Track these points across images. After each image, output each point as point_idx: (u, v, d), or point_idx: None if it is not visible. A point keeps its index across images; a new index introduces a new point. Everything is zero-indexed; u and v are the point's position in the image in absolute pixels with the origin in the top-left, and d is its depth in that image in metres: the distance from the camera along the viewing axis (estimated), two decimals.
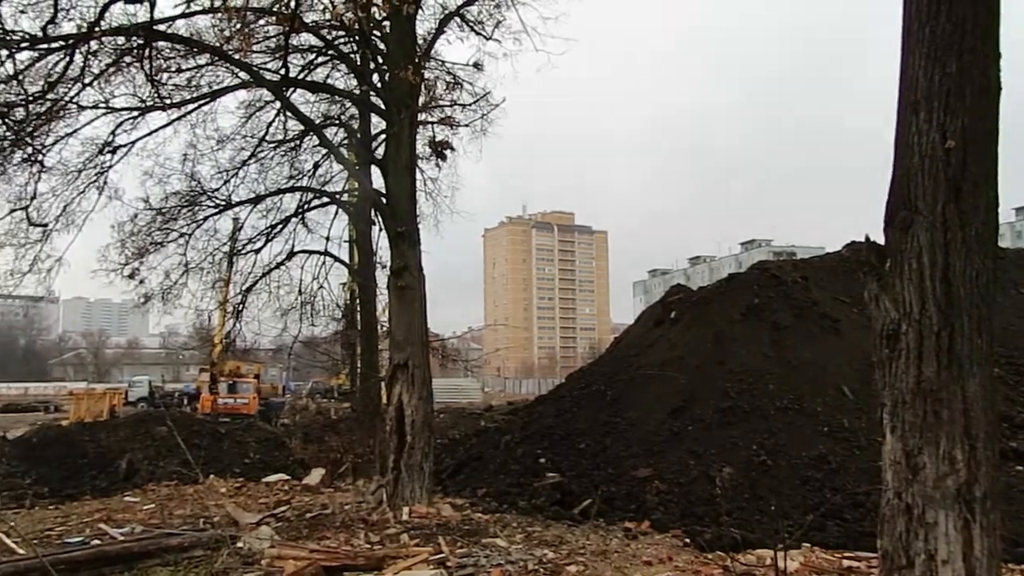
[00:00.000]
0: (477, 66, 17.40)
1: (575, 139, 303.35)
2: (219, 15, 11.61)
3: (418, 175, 16.24)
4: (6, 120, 10.44)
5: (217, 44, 13.78)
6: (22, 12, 8.33)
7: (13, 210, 13.40)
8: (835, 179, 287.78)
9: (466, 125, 18.89)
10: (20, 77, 9.85)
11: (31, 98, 10.42)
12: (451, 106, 18.62)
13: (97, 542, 10.15)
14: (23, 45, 9.23)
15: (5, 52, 9.10)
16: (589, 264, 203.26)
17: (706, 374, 13.92)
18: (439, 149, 17.76)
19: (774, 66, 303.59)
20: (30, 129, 11.31)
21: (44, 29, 8.32)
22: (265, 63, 15.67)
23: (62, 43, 9.17)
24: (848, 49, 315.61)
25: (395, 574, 7.70)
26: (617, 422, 13.69)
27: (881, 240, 4.57)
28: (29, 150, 12.09)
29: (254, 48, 14.77)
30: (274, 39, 15.64)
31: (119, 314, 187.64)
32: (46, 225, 13.96)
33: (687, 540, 9.53)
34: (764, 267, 17.99)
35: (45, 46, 9.23)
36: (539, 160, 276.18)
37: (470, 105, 18.42)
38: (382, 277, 20.84)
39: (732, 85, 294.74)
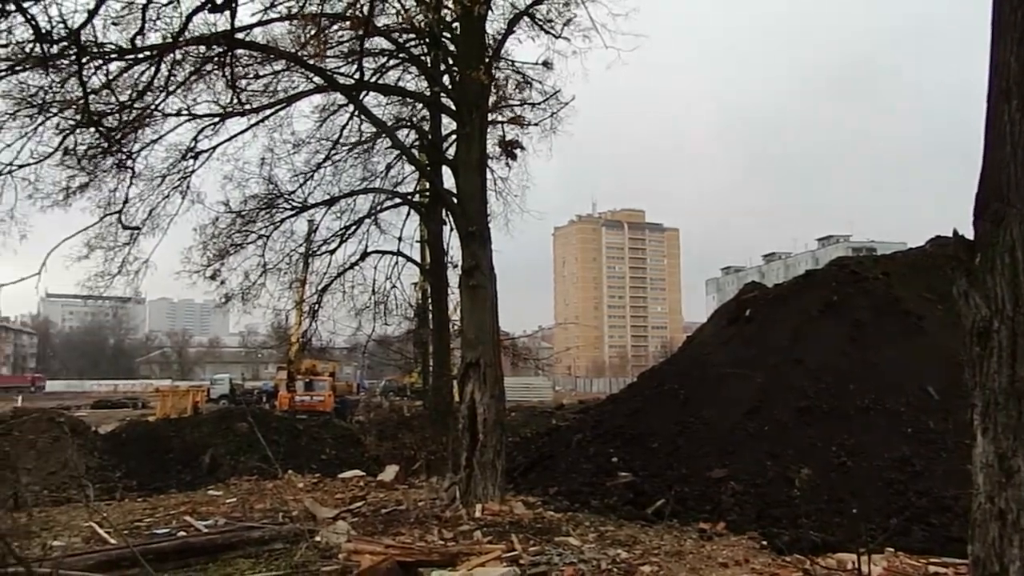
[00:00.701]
0: (546, 64, 17.40)
1: (646, 136, 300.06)
2: (295, 22, 11.88)
3: (488, 174, 16.33)
4: (99, 128, 10.89)
5: (292, 50, 14.18)
6: (115, 24, 8.69)
7: (106, 215, 13.99)
8: (917, 173, 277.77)
9: (536, 124, 18.93)
10: (112, 86, 10.26)
11: (122, 106, 10.86)
12: (521, 105, 18.65)
13: (183, 534, 10.54)
14: (113, 56, 9.62)
15: (98, 63, 9.49)
16: (660, 262, 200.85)
17: (783, 373, 13.61)
18: (509, 148, 17.82)
19: (855, 55, 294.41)
20: (119, 137, 11.78)
21: (133, 40, 8.66)
22: (338, 68, 16.01)
23: (150, 53, 9.52)
24: (934, 43, 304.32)
25: (469, 570, 7.76)
26: (691, 422, 13.51)
27: (970, 234, 4.38)
28: (121, 156, 12.59)
29: (327, 53, 15.10)
30: (347, 44, 15.99)
31: (201, 314, 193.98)
32: (137, 228, 14.52)
33: (764, 542, 9.34)
34: (843, 263, 17.49)
35: (133, 56, 9.60)
36: (609, 158, 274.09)
37: (540, 104, 18.44)
38: (453, 276, 21.05)
39: (809, 79, 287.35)
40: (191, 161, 14.94)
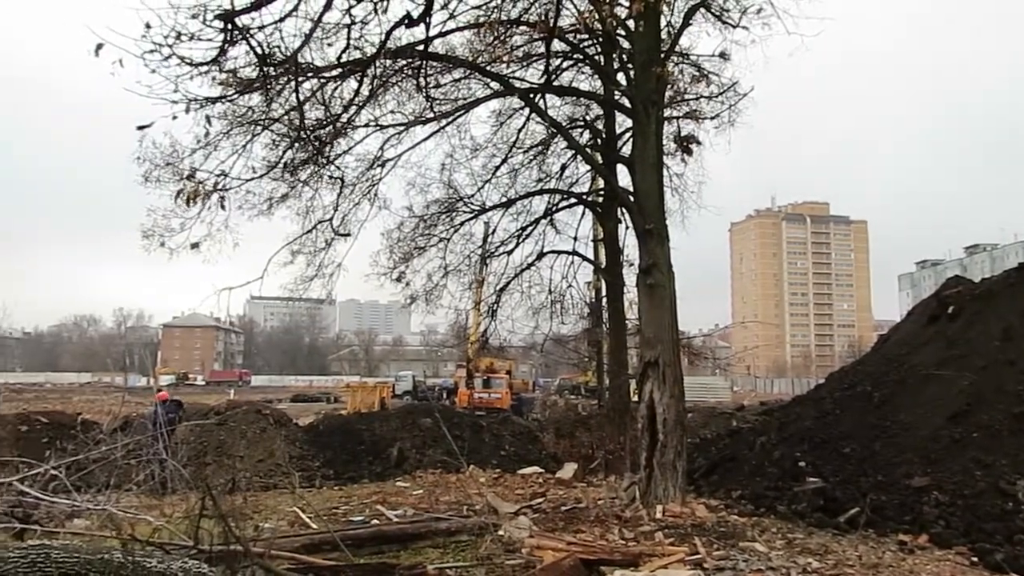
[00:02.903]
0: (723, 56, 16.92)
1: (830, 123, 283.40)
2: (476, 31, 12.29)
3: (664, 171, 16.12)
4: (311, 141, 11.76)
5: (470, 58, 14.66)
6: (329, 45, 9.38)
7: (319, 222, 15.14)
8: None
9: (712, 117, 18.48)
10: (327, 102, 11.08)
11: (332, 120, 11.69)
12: (696, 99, 18.28)
13: (376, 522, 11.14)
14: (324, 75, 10.38)
15: (311, 81, 10.26)
16: (846, 257, 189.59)
17: (993, 375, 12.44)
18: (685, 144, 17.49)
19: None
20: (327, 149, 12.66)
21: (339, 58, 9.31)
22: (514, 72, 16.37)
23: (357, 68, 10.18)
24: None
25: (652, 572, 7.69)
26: (887, 426, 12.64)
27: None
28: (330, 168, 13.57)
29: (504, 58, 15.49)
30: (521, 49, 16.32)
31: (385, 314, 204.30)
32: (348, 234, 15.54)
33: (975, 559, 8.60)
34: None
35: (339, 71, 10.29)
36: (789, 149, 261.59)
37: (716, 97, 17.99)
38: (629, 275, 20.92)
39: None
40: (379, 169, 15.76)
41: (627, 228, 20.38)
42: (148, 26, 7.16)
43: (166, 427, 14.24)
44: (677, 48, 15.61)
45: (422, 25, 9.29)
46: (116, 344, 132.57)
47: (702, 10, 14.81)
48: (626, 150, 17.95)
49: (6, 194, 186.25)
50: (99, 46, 6.64)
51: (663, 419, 11.92)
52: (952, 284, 16.83)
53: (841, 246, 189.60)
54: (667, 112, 15.72)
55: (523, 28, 14.87)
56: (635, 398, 15.88)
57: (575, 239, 22.62)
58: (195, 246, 12.32)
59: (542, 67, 17.35)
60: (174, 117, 8.24)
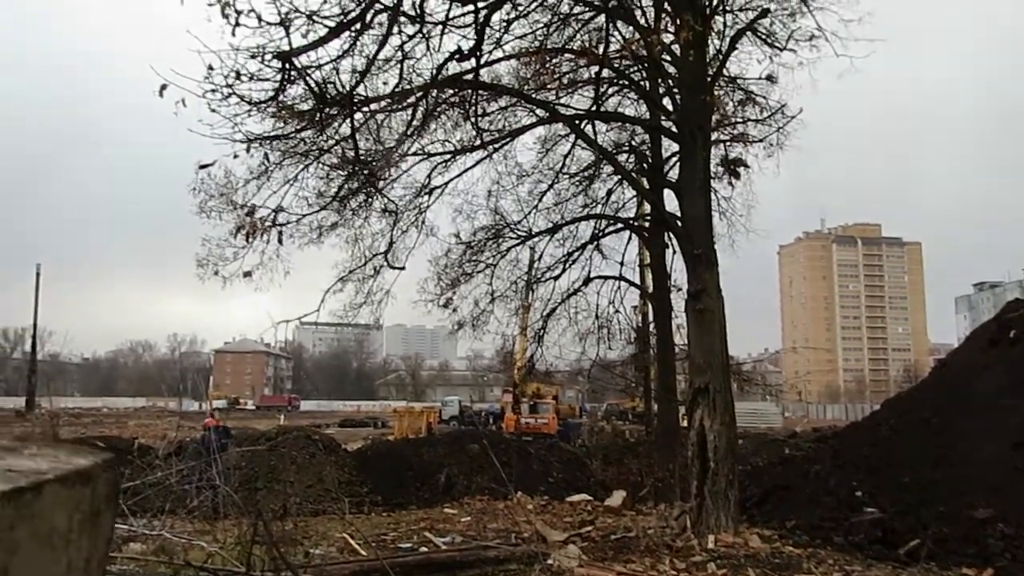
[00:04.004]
0: (770, 79, 16.81)
1: (882, 142, 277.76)
2: (523, 59, 12.43)
3: (711, 195, 16.01)
4: (363, 172, 11.98)
5: (518, 86, 14.81)
6: (384, 84, 9.61)
7: (373, 256, 15.40)
8: None
9: (760, 140, 18.32)
10: (377, 132, 11.32)
11: (386, 152, 11.92)
12: (744, 122, 18.17)
13: (425, 549, 11.12)
14: (377, 109, 10.60)
15: (365, 115, 10.48)
16: (900, 279, 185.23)
17: None
18: (732, 167, 17.36)
19: None
20: (379, 179, 12.88)
21: (393, 92, 9.50)
22: (559, 98, 16.46)
23: (411, 101, 10.39)
24: None
25: None
26: (947, 454, 12.25)
27: None
28: (384, 200, 13.81)
29: (549, 86, 15.61)
30: (567, 75, 16.40)
31: (432, 339, 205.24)
32: (402, 268, 15.76)
33: None
34: None
35: (392, 106, 10.51)
36: (839, 170, 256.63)
37: (764, 120, 17.85)
38: (677, 300, 20.76)
39: None
40: (426, 197, 15.95)
41: (674, 252, 20.25)
42: (211, 68, 7.41)
43: (217, 453, 14.45)
44: (724, 72, 15.57)
45: (472, 58, 9.43)
46: (170, 369, 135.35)
47: (748, 34, 14.76)
48: (673, 175, 17.87)
49: (76, 223, 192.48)
50: (163, 87, 6.88)
51: (714, 446, 11.73)
52: (1013, 307, 16.33)
53: (894, 268, 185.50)
54: (714, 136, 15.62)
55: (568, 55, 15.04)
56: (684, 424, 15.69)
57: (622, 264, 22.55)
58: (247, 274, 12.56)
59: (588, 93, 17.47)
60: (235, 156, 8.49)
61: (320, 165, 11.84)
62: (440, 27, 8.56)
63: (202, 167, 9.17)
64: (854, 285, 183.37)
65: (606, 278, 22.31)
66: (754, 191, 20.44)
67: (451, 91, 12.05)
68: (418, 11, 8.10)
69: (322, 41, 7.61)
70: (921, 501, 11.41)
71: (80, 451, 1.21)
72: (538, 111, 15.52)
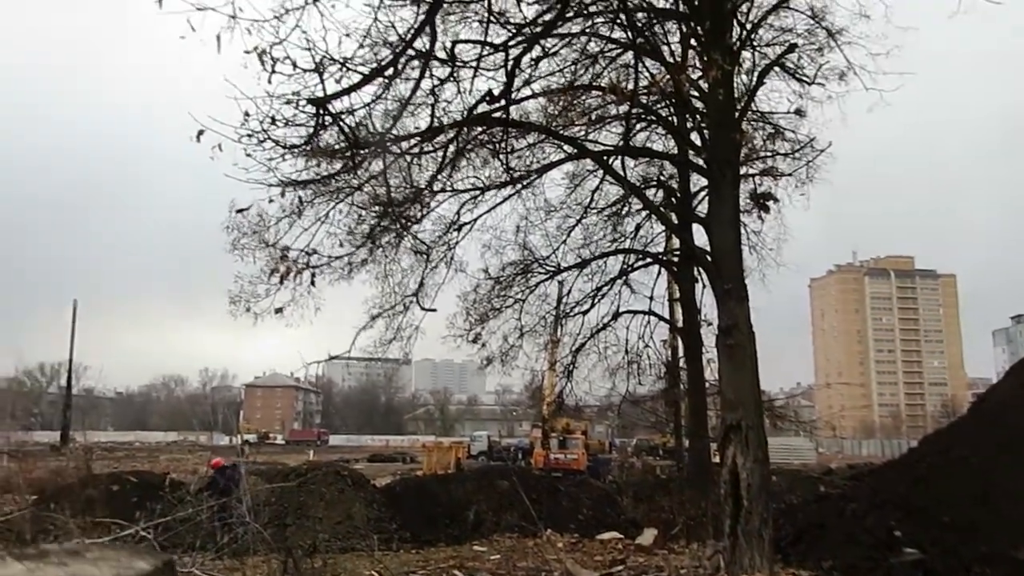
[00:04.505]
0: (799, 113, 16.83)
1: (913, 176, 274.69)
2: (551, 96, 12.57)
3: (741, 229, 15.95)
4: (394, 211, 12.14)
5: (546, 122, 14.94)
6: (417, 128, 9.80)
7: (404, 297, 15.55)
8: None
9: (789, 174, 18.29)
10: (407, 171, 11.49)
11: (416, 191, 12.09)
12: (772, 156, 18.14)
13: None
14: (409, 151, 10.79)
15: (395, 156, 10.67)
16: (935, 312, 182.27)
17: None
18: (761, 201, 17.29)
19: None
20: (407, 218, 13.02)
21: (425, 131, 9.66)
22: (586, 134, 16.56)
23: (443, 142, 10.57)
24: None
25: None
26: (988, 493, 11.94)
27: None
28: (410, 235, 13.94)
29: (577, 122, 15.74)
30: (595, 112, 16.53)
31: (460, 373, 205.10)
32: (433, 310, 15.85)
33: None
34: None
35: (423, 145, 10.68)
36: (870, 202, 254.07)
37: (793, 154, 17.83)
38: (707, 334, 20.61)
39: None
40: (455, 233, 16.05)
41: (704, 287, 20.16)
42: (247, 114, 7.62)
43: (228, 495, 14.33)
44: (752, 107, 15.60)
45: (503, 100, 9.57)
46: (201, 404, 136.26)
47: (776, 69, 14.81)
48: (702, 209, 17.86)
49: (111, 259, 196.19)
50: (200, 132, 7.07)
51: (747, 484, 11.54)
52: None
53: (928, 301, 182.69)
54: (743, 170, 15.60)
55: (596, 92, 15.18)
56: (716, 460, 15.47)
57: (651, 299, 22.49)
58: (279, 311, 12.69)
59: (616, 128, 17.59)
60: (270, 200, 8.66)
61: (352, 205, 12.01)
62: (471, 70, 8.72)
63: (238, 211, 9.39)
64: (887, 318, 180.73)
65: (635, 313, 22.25)
66: (784, 225, 20.34)
67: (480, 129, 12.20)
68: (449, 55, 8.24)
69: (355, 87, 7.78)
70: (962, 541, 11.12)
71: (139, 554, 1.23)
72: (566, 147, 15.64)
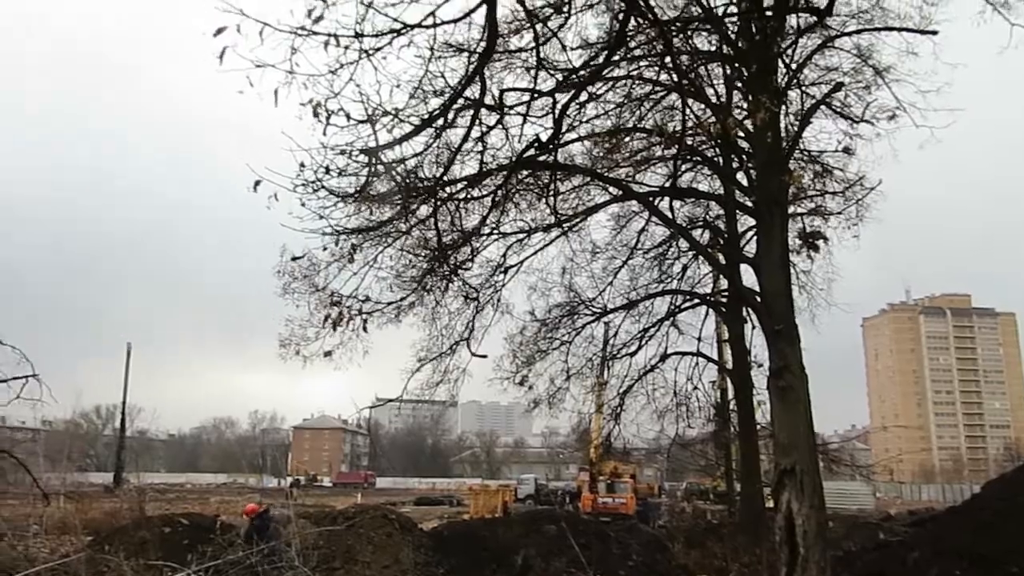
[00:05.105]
0: (847, 151, 16.62)
1: (968, 212, 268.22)
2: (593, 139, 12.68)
3: (790, 269, 15.76)
4: (445, 256, 12.31)
5: (590, 165, 15.05)
6: (466, 179, 9.99)
7: (457, 343, 15.71)
8: None
9: (839, 213, 18.05)
10: (454, 215, 11.67)
11: (465, 236, 12.27)
12: (821, 195, 17.93)
13: None
14: (458, 197, 10.99)
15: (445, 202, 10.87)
16: (994, 351, 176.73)
17: None
18: (811, 241, 17.05)
19: None
20: (456, 262, 13.17)
21: (475, 176, 9.84)
22: (631, 175, 16.61)
23: (489, 191, 10.76)
24: None
25: None
26: None
27: None
28: (457, 279, 14.10)
29: (622, 164, 15.82)
30: (640, 153, 16.59)
31: (506, 415, 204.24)
32: (484, 356, 15.96)
33: None
34: None
35: (472, 190, 10.88)
36: (923, 239, 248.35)
37: (841, 192, 17.62)
38: (758, 376, 20.26)
39: None
40: (501, 276, 16.15)
41: (753, 328, 19.89)
42: (302, 165, 7.89)
43: (265, 542, 14.34)
44: (799, 146, 15.50)
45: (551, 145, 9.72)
46: (251, 446, 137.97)
47: (823, 107, 14.74)
48: (749, 249, 17.68)
49: (165, 304, 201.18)
50: (257, 182, 7.32)
51: (803, 531, 11.24)
52: None
53: (988, 340, 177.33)
54: (791, 209, 15.46)
55: (640, 134, 15.27)
56: (769, 505, 15.11)
57: (699, 340, 22.22)
58: (328, 354, 12.84)
59: (661, 169, 17.62)
60: (324, 248, 8.89)
61: (400, 249, 12.19)
62: (519, 116, 8.86)
63: (294, 259, 9.69)
64: (945, 358, 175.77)
65: (683, 354, 21.99)
66: (834, 264, 20.01)
67: (526, 172, 12.34)
68: (498, 102, 8.40)
69: (407, 136, 7.97)
70: None
71: None
72: (611, 189, 15.71)
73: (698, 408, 22.77)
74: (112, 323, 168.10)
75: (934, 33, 13.28)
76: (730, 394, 23.38)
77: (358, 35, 6.86)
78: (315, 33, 6.61)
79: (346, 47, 6.94)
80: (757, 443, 20.61)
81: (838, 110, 15.64)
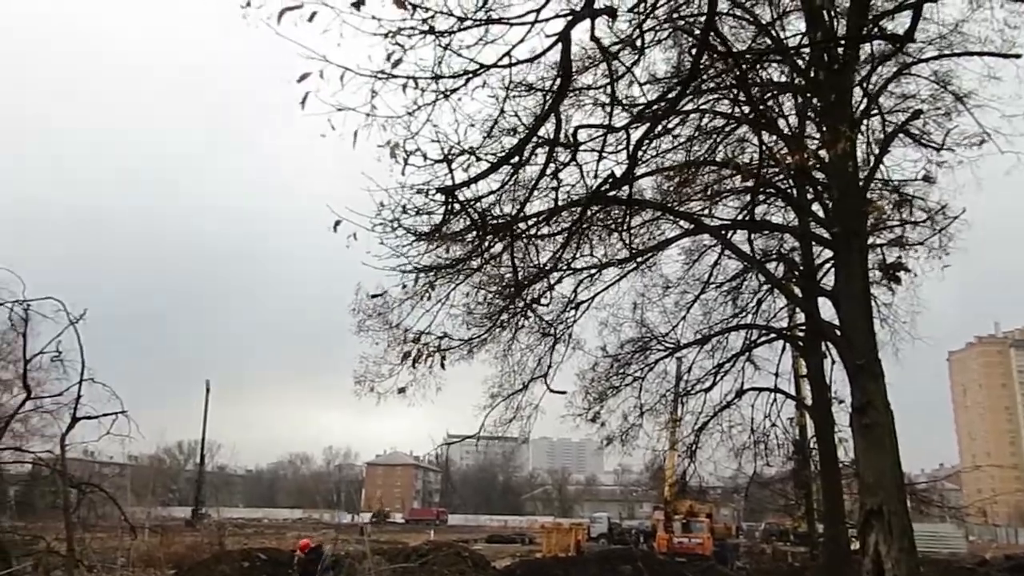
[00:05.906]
0: (927, 179, 16.18)
1: None
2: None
3: (871, 301, 15.29)
4: (520, 293, 12.43)
5: (660, 198, 15.00)
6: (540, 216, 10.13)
7: (532, 379, 15.76)
8: None
9: (920, 243, 17.47)
10: (527, 251, 11.80)
11: (541, 272, 12.38)
12: (901, 225, 17.43)
13: None
14: (535, 236, 11.13)
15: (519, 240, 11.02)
16: None
17: None
18: (892, 272, 16.59)
19: None
20: (531, 300, 13.26)
21: (550, 212, 9.95)
22: (703, 209, 16.46)
23: (564, 228, 10.84)
24: None
25: None
26: None
27: None
28: (530, 315, 14.18)
29: (694, 197, 15.70)
30: (711, 186, 16.44)
31: (578, 452, 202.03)
32: (563, 392, 16.01)
33: None
34: None
35: (549, 225, 11.00)
36: (1011, 269, 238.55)
37: (923, 222, 17.07)
38: (839, 413, 19.60)
39: None
40: (573, 311, 16.11)
41: (833, 363, 19.28)
42: (382, 205, 8.14)
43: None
44: (877, 174, 15.14)
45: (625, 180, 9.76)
46: (325, 481, 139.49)
47: (901, 135, 14.41)
48: (827, 282, 17.25)
49: (243, 340, 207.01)
50: (337, 222, 7.55)
51: (892, 575, 10.79)
52: None
53: None
54: (870, 240, 15.06)
55: (712, 167, 15.15)
56: (855, 548, 14.54)
57: (776, 375, 21.61)
58: (402, 391, 13.01)
59: (733, 202, 17.41)
60: (403, 286, 9.11)
61: (473, 286, 12.33)
62: (594, 152, 8.92)
63: (372, 296, 9.92)
64: None
65: (760, 390, 21.42)
66: (918, 296, 19.29)
67: (599, 207, 12.36)
68: (571, 139, 8.48)
69: (483, 175, 8.11)
70: None
71: None
72: (683, 223, 15.57)
73: (777, 446, 22.10)
74: (195, 361, 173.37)
75: (1017, 56, 12.89)
76: (810, 431, 22.68)
77: (435, 77, 7.04)
78: (394, 76, 6.81)
79: (423, 89, 7.13)
80: (840, 482, 19.89)
81: (917, 138, 15.27)
